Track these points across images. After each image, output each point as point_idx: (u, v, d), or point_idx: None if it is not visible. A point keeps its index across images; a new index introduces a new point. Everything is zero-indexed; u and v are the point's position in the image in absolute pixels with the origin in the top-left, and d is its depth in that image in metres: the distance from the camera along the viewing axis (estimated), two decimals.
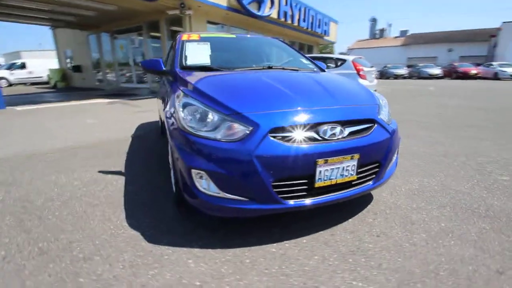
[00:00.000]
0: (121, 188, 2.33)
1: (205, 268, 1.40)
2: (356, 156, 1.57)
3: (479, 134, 4.09)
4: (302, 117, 1.56)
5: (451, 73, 22.00)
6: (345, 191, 1.62)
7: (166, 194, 2.19)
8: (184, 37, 2.74)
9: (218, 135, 1.49)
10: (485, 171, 2.61)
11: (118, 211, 1.95)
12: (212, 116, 1.55)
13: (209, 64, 2.38)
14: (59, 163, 3.06)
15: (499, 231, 1.69)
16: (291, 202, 1.51)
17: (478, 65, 22.68)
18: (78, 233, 1.70)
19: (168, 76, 2.37)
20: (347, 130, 1.60)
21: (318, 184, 1.52)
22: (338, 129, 1.58)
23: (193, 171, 1.49)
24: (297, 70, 2.52)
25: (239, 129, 1.49)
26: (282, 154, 1.44)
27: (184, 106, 1.66)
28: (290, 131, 1.50)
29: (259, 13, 10.58)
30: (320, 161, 1.49)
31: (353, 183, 1.64)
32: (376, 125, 1.72)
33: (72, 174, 2.71)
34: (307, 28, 14.51)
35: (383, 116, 1.82)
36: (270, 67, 2.44)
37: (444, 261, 1.43)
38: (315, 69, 2.71)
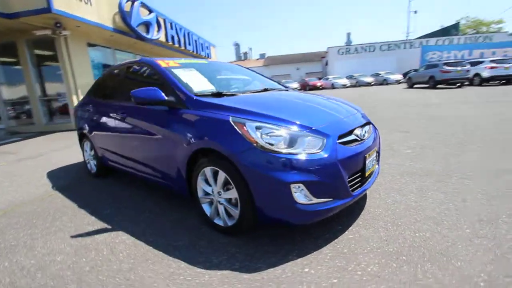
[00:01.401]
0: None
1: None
2: (376, 148, 2.12)
3: None
4: (346, 125, 1.95)
5: (305, 86, 28.03)
6: (373, 176, 2.11)
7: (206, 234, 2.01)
8: (163, 64, 2.55)
9: (301, 149, 1.65)
10: None
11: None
12: (289, 133, 1.69)
13: (217, 89, 2.36)
14: None
15: None
16: (355, 192, 1.85)
17: (320, 78, 30.03)
18: None
19: (174, 105, 2.16)
20: (365, 131, 2.11)
21: (366, 173, 1.95)
22: (363, 130, 2.07)
23: (292, 186, 1.58)
24: (287, 89, 2.87)
25: (317, 141, 1.70)
26: (350, 155, 1.78)
27: (258, 128, 1.69)
28: (345, 137, 1.86)
29: (148, 36, 10.12)
30: (367, 156, 1.93)
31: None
32: (371, 125, 2.32)
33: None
34: (193, 51, 14.94)
35: None
36: (266, 89, 2.67)
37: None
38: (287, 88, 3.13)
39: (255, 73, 3.31)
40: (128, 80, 2.93)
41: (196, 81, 2.41)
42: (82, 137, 3.79)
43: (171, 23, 12.04)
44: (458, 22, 36.54)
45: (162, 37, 11.33)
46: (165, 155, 2.26)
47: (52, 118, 8.78)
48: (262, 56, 51.41)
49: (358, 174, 1.88)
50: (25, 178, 3.87)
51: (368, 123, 2.25)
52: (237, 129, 1.72)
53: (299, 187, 1.59)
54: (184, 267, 1.64)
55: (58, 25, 7.06)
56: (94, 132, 3.36)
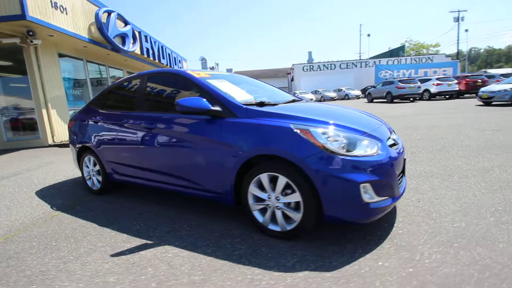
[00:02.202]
0: None
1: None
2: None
3: None
4: (384, 131, 2.18)
5: None
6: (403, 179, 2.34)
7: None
8: (197, 75, 2.58)
9: (363, 151, 1.81)
10: None
11: None
12: (350, 138, 1.84)
13: (256, 99, 2.45)
14: None
15: None
16: (401, 191, 2.04)
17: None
18: None
19: (220, 114, 2.18)
20: (396, 136, 2.37)
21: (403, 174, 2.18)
22: (395, 136, 2.32)
23: (361, 186, 1.71)
24: (308, 101, 3.05)
25: (373, 144, 1.88)
26: (396, 156, 1.99)
27: (323, 134, 1.81)
28: (387, 141, 2.07)
29: (124, 48, 9.77)
30: (405, 158, 2.17)
31: None
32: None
33: None
34: (167, 65, 14.68)
35: None
36: (294, 100, 2.82)
37: None
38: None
39: (271, 86, 3.46)
40: (154, 91, 2.87)
41: (233, 92, 2.47)
42: (81, 152, 3.52)
43: (146, 36, 11.78)
44: (404, 45, 41.44)
45: (137, 50, 11.00)
46: (209, 165, 2.25)
47: (16, 134, 7.87)
48: (229, 71, 52.05)
49: (400, 175, 2.09)
50: (12, 200, 3.44)
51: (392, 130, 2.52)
52: (302, 135, 1.82)
53: (365, 186, 1.73)
54: (261, 273, 1.65)
55: (30, 33, 6.50)
56: (102, 146, 3.16)
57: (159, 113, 2.64)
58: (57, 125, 7.80)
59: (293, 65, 36.52)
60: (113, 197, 3.26)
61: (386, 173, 1.82)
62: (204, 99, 2.18)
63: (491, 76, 16.98)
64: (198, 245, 2.03)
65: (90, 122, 3.35)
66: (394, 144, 2.12)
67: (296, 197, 1.86)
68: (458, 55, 36.95)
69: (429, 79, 17.67)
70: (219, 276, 1.65)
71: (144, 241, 2.16)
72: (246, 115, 2.12)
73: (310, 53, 50.40)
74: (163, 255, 1.94)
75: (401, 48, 39.37)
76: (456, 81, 16.58)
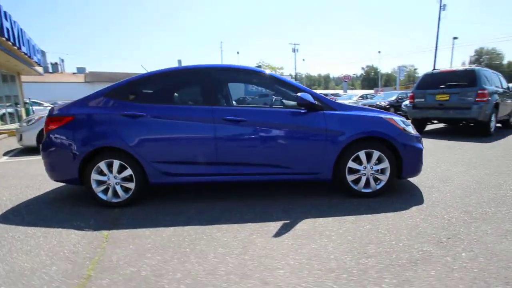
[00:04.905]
0: None
1: None
2: None
3: None
4: None
5: None
6: None
7: None
8: (268, 70, 2.96)
9: (414, 131, 2.94)
10: None
11: None
12: (408, 123, 2.94)
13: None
14: None
15: None
16: None
17: None
18: None
19: (319, 108, 2.72)
20: None
21: None
22: None
23: (423, 151, 2.85)
24: None
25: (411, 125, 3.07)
26: None
27: (402, 121, 2.83)
28: None
29: None
30: None
31: None
32: None
33: None
34: (27, 54, 11.03)
35: None
36: None
37: None
38: None
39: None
40: (224, 85, 2.90)
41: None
42: (90, 158, 2.77)
43: (5, 13, 8.56)
44: (260, 65, 49.60)
45: None
46: (311, 149, 2.74)
47: None
48: (81, 70, 43.08)
49: None
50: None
51: None
52: (390, 122, 2.76)
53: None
54: (365, 211, 2.44)
55: None
56: (149, 144, 2.74)
57: (247, 107, 2.80)
58: None
59: None
60: (157, 203, 2.86)
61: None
62: (310, 95, 2.67)
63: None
64: (331, 212, 2.51)
65: (122, 118, 2.75)
66: None
67: (385, 164, 2.76)
68: (296, 77, 48.54)
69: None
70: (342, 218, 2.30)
71: (283, 222, 2.37)
72: (341, 108, 2.80)
73: (179, 61, 50.31)
74: (327, 228, 2.30)
75: (258, 67, 46.99)
76: None
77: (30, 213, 2.74)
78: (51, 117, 2.87)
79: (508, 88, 7.74)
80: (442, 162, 4.21)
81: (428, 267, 1.67)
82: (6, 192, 3.39)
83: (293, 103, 2.94)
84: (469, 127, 6.88)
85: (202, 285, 1.59)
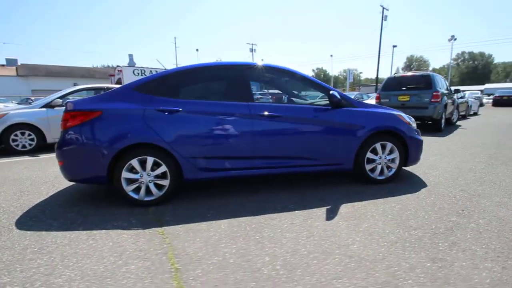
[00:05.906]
0: None
1: None
2: None
3: None
4: None
5: None
6: None
7: None
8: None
9: (415, 125, 3.46)
10: None
11: None
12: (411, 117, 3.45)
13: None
14: None
15: None
16: None
17: None
18: None
19: (343, 105, 3.03)
20: None
21: None
22: None
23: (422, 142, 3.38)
24: None
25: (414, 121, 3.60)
26: None
27: (408, 117, 3.30)
28: None
29: None
30: None
31: None
32: None
33: None
34: None
35: None
36: None
37: None
38: None
39: None
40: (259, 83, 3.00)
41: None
42: (125, 153, 2.65)
43: None
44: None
45: None
46: (338, 142, 3.04)
47: None
48: (11, 62, 37.28)
49: None
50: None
51: None
52: (399, 118, 3.22)
53: None
54: (378, 194, 2.87)
55: None
56: (187, 140, 2.73)
57: (281, 104, 2.98)
58: None
59: (121, 67, 32.68)
60: (198, 201, 2.87)
61: None
62: (338, 93, 2.98)
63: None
64: (356, 199, 2.84)
65: (157, 113, 2.68)
66: None
67: (395, 154, 3.21)
68: None
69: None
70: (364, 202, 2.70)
71: (323, 209, 2.61)
72: (360, 106, 3.17)
73: (131, 56, 46.94)
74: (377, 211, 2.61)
75: None
76: None
77: (51, 218, 2.50)
78: (72, 112, 2.65)
79: (450, 90, 9.20)
80: None
81: (463, 232, 2.08)
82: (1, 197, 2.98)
83: (301, 100, 3.21)
84: (426, 124, 8.03)
85: (294, 264, 1.74)
